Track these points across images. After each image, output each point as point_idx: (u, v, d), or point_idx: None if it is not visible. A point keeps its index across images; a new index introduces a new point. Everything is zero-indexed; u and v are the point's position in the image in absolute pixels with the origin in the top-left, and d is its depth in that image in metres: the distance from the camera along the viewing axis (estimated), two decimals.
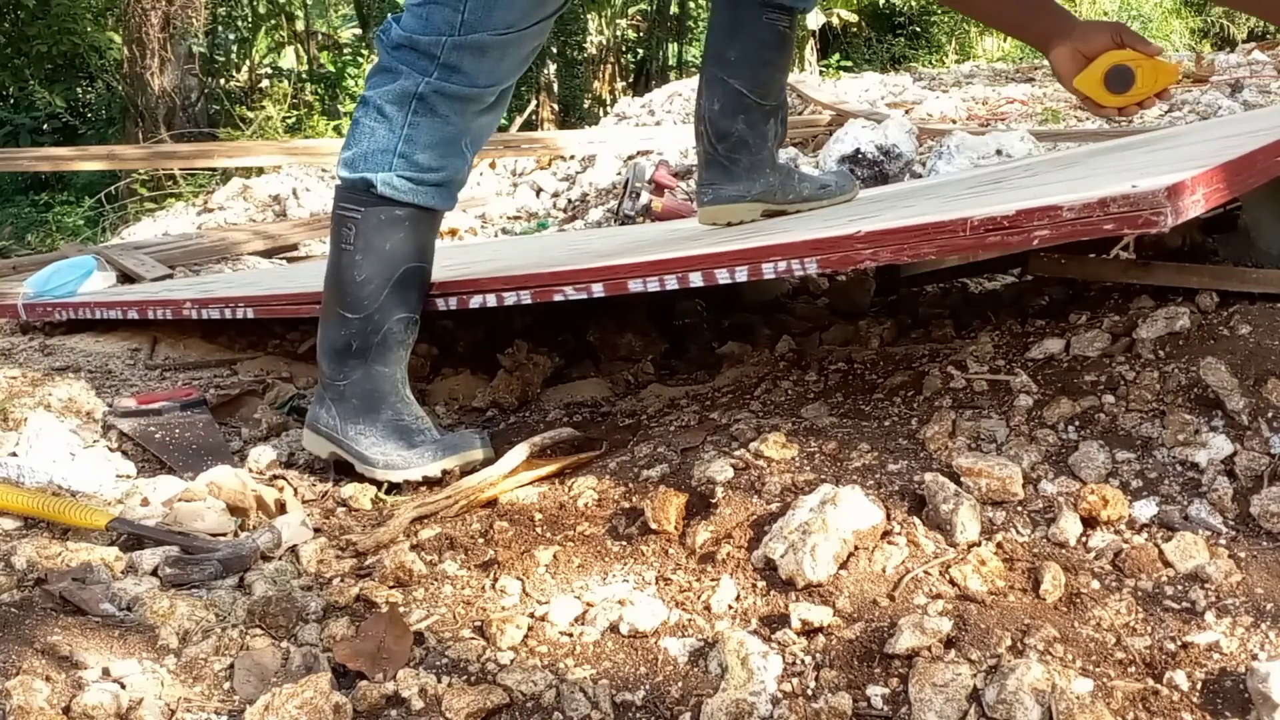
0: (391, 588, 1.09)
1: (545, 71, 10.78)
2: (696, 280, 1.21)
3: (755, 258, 1.16)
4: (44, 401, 1.59)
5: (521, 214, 4.58)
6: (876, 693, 0.84)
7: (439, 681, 0.91)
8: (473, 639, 0.97)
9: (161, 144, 5.77)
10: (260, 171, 5.25)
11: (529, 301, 1.39)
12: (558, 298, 1.35)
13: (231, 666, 0.95)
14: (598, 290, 1.30)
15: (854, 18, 11.30)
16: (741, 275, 1.18)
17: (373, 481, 1.39)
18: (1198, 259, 1.50)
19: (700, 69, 1.67)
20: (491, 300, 1.42)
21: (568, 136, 5.15)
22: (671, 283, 1.24)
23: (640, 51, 11.97)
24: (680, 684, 0.89)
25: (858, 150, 3.59)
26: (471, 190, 5.15)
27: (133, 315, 1.94)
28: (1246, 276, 1.27)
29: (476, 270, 1.71)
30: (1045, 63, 6.91)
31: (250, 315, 1.73)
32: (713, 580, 1.01)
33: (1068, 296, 1.55)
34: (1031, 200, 1.05)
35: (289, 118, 8.00)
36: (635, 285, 1.26)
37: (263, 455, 1.46)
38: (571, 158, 5.01)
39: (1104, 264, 1.49)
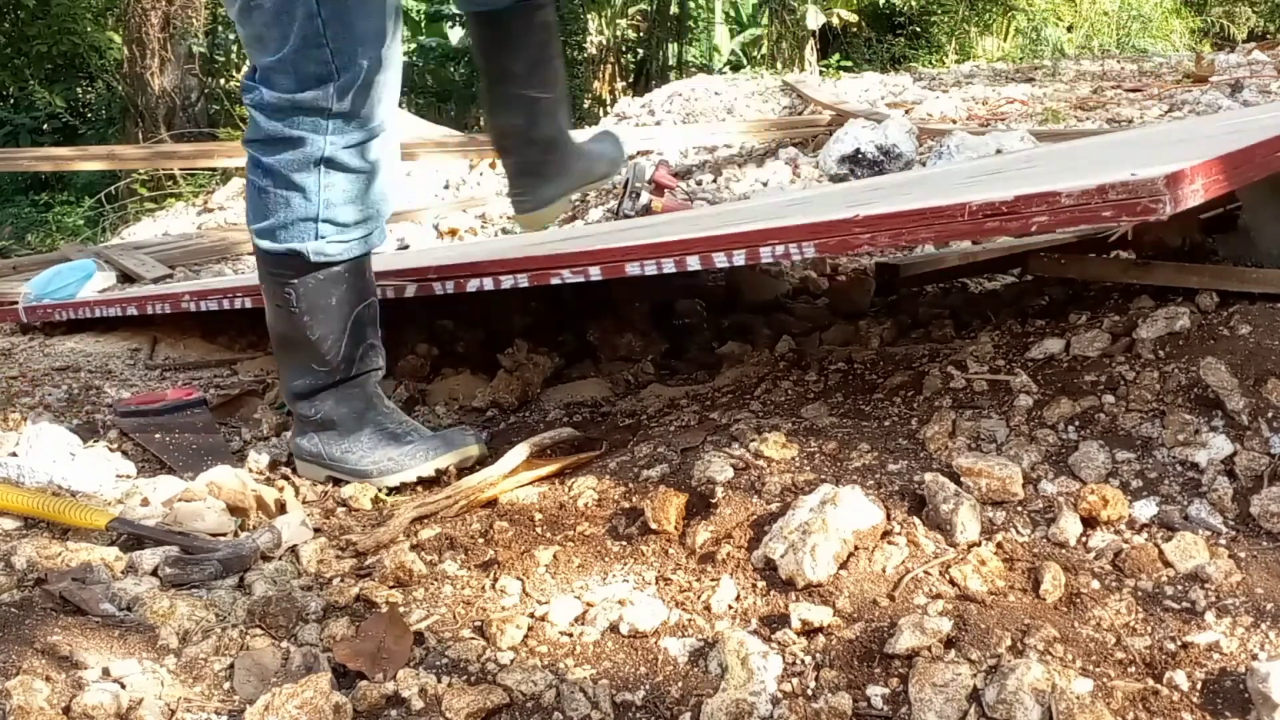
0: (391, 588, 1.09)
1: None
2: (694, 264, 1.21)
3: (752, 241, 1.16)
4: (44, 401, 1.59)
5: None
6: (876, 693, 0.84)
7: (439, 681, 0.91)
8: (473, 639, 0.97)
9: (162, 144, 5.77)
10: None
11: (526, 285, 1.38)
12: (555, 280, 1.34)
13: (231, 666, 0.95)
14: (595, 274, 1.29)
15: (854, 18, 11.30)
16: (739, 259, 1.17)
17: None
18: (1197, 258, 1.50)
19: (483, 90, 1.61)
20: (489, 284, 1.41)
21: None
22: (669, 265, 1.23)
23: (640, 51, 11.97)
24: (680, 684, 0.89)
25: (858, 150, 3.59)
26: (472, 190, 5.16)
27: (132, 311, 1.94)
28: (1246, 276, 1.27)
29: (474, 254, 1.70)
30: (1045, 63, 6.88)
31: (249, 305, 1.73)
32: (713, 580, 1.01)
33: (1068, 296, 1.55)
34: (1030, 187, 1.05)
35: None
36: (632, 268, 1.26)
37: (263, 455, 1.46)
38: None
39: (1104, 264, 1.49)
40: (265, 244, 1.29)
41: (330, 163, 1.26)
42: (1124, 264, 1.45)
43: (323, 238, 1.27)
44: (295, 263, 1.29)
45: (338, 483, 1.41)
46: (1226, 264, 1.41)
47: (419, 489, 1.38)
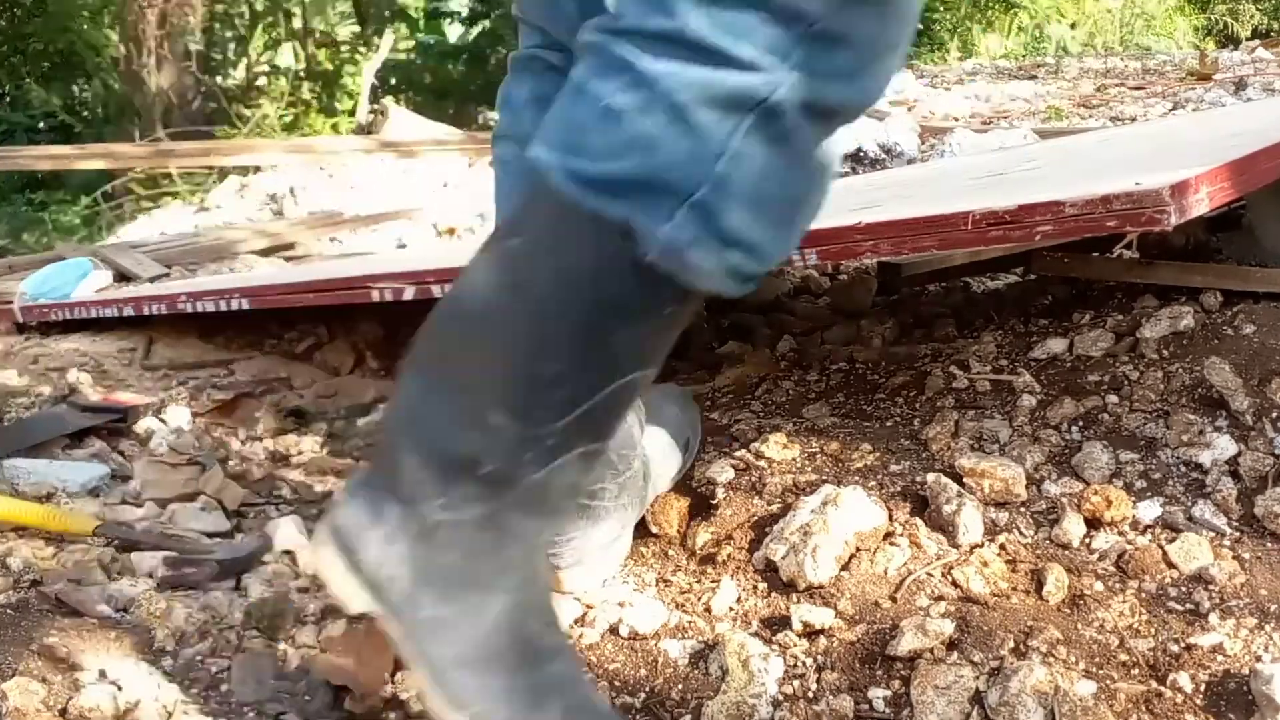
0: None
1: None
2: None
3: None
4: (39, 402, 1.58)
5: None
6: (878, 695, 0.84)
7: None
8: None
9: (160, 143, 5.76)
10: (257, 170, 5.24)
11: None
12: None
13: (228, 668, 0.94)
14: None
15: None
16: None
17: None
18: (1201, 258, 1.49)
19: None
20: None
21: None
22: None
23: None
24: (680, 686, 0.88)
25: (859, 148, 3.59)
26: (471, 188, 5.14)
27: (129, 312, 1.93)
28: (1250, 276, 1.26)
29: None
30: (1048, 60, 6.93)
31: (245, 306, 1.71)
32: (713, 582, 1.00)
33: (1071, 296, 1.55)
34: (1034, 195, 1.04)
35: (286, 115, 7.99)
36: None
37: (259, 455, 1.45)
38: None
39: (1107, 263, 1.49)
40: (595, 201, 0.65)
41: (771, 118, 0.64)
42: (1127, 263, 1.45)
43: (691, 224, 0.64)
44: (626, 247, 0.65)
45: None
46: (1230, 263, 1.40)
47: None
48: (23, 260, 3.53)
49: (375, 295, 1.51)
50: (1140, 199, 0.92)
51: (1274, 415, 1.04)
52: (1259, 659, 0.82)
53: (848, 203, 1.65)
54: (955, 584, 0.93)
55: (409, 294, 1.48)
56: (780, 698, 0.84)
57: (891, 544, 0.98)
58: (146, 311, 1.90)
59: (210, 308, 1.77)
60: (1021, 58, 8.28)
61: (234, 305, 1.72)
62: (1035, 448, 1.09)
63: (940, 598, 0.92)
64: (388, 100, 7.25)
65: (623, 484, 0.97)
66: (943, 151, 3.34)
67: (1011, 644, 0.85)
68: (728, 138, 0.63)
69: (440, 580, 0.70)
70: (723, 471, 1.14)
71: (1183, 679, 0.81)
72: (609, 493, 0.97)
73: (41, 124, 8.62)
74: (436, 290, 1.45)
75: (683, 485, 1.15)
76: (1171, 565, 0.93)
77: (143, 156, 4.84)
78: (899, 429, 1.19)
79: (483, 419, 0.69)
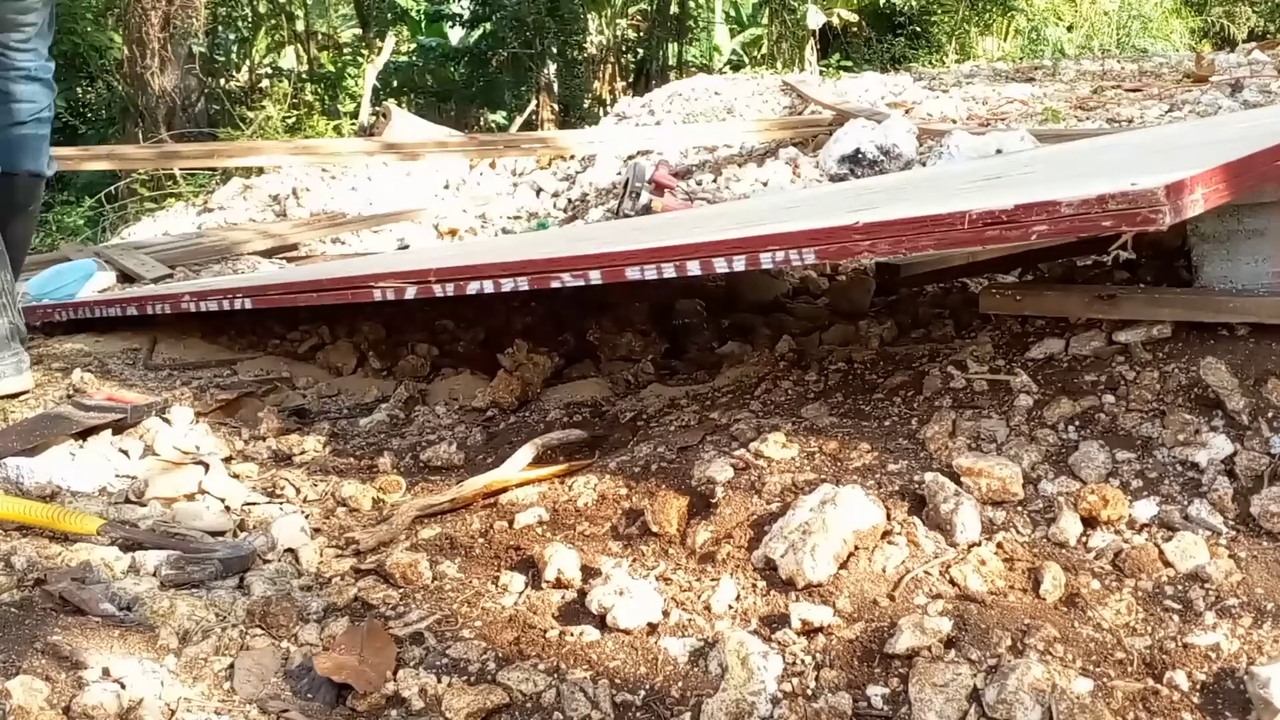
0: (391, 587, 1.09)
1: (545, 71, 10.77)
2: (694, 269, 1.21)
3: (753, 247, 1.16)
4: (43, 402, 1.58)
5: (522, 214, 4.58)
6: (876, 692, 0.84)
7: (439, 681, 0.91)
8: (473, 639, 0.97)
9: (165, 144, 5.76)
10: (260, 171, 5.25)
11: (526, 288, 1.38)
12: (555, 284, 1.34)
13: (232, 666, 0.95)
14: (595, 277, 1.29)
15: (854, 18, 11.29)
16: (739, 264, 1.17)
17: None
18: (1190, 265, 1.46)
19: None
20: (489, 286, 1.40)
21: (568, 136, 5.15)
22: (669, 270, 1.23)
23: (640, 51, 11.97)
24: (680, 684, 0.89)
25: (858, 150, 3.59)
26: (472, 190, 5.16)
27: (132, 311, 1.94)
28: (1223, 306, 1.20)
29: (474, 255, 1.70)
30: (1045, 63, 6.91)
31: (249, 305, 1.72)
32: (713, 580, 1.01)
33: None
34: (1030, 195, 1.05)
35: (289, 117, 7.99)
36: (633, 273, 1.25)
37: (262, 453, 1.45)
38: (572, 157, 5.00)
39: (1064, 299, 1.33)
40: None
41: None
42: (1088, 298, 1.29)
43: None
44: None
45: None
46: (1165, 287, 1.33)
47: (418, 488, 1.38)
48: (27, 261, 3.53)
49: (377, 295, 1.52)
50: (1136, 199, 0.93)
51: (1270, 415, 1.05)
52: (1254, 659, 0.82)
53: (845, 204, 1.66)
54: (953, 582, 0.93)
55: (410, 293, 1.49)
56: (779, 695, 0.85)
57: (889, 543, 0.99)
58: (150, 311, 1.91)
59: (213, 307, 1.77)
60: (1019, 60, 8.28)
61: (238, 305, 1.73)
62: (1032, 447, 1.09)
63: (938, 596, 0.92)
64: (390, 103, 7.27)
65: None
66: (940, 153, 3.34)
67: (1009, 642, 0.85)
68: None
69: None
70: (722, 470, 1.14)
71: (1179, 677, 0.81)
72: None
73: None
74: (438, 290, 1.46)
75: (682, 484, 1.16)
76: (1168, 564, 0.93)
77: (146, 158, 4.85)
78: (897, 428, 1.20)
79: None
